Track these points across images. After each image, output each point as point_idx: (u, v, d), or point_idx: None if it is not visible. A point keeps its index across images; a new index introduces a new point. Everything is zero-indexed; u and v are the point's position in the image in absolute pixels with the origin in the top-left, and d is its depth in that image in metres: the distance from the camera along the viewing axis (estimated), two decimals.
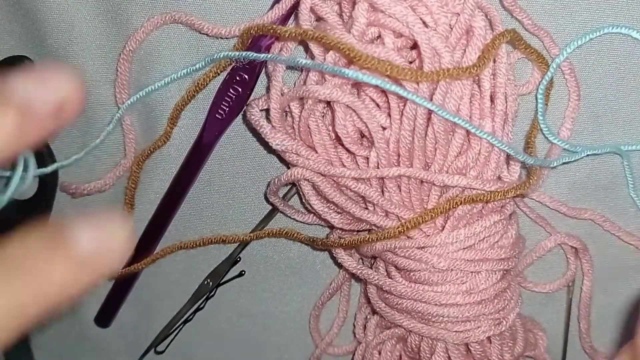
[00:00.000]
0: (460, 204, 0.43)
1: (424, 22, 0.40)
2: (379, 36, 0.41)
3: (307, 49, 0.43)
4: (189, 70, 0.46)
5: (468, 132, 0.42)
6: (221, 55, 0.45)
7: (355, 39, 0.40)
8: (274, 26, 0.43)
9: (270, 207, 0.51)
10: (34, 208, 0.51)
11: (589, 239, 0.50)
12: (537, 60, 0.44)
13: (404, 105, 0.41)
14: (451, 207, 0.43)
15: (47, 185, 0.51)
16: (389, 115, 0.42)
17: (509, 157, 0.45)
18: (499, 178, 0.45)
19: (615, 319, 0.52)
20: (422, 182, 0.43)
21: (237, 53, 0.44)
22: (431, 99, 0.41)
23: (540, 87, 0.44)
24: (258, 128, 0.44)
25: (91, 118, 0.49)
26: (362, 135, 0.44)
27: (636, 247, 0.50)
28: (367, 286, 0.49)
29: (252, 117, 0.44)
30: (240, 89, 0.47)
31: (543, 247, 0.50)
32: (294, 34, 0.41)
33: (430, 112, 0.40)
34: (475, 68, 0.40)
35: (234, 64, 0.47)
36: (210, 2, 0.46)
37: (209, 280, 0.54)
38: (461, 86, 0.41)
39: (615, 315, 0.52)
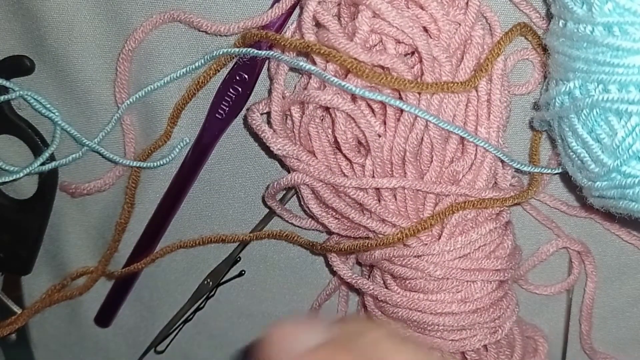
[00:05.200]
0: (459, 210, 0.43)
1: (427, 31, 0.41)
2: (380, 41, 0.41)
3: (308, 54, 0.43)
4: (188, 69, 0.46)
5: (462, 138, 0.43)
6: (220, 52, 0.45)
7: (358, 46, 0.40)
8: (276, 35, 0.43)
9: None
10: (34, 208, 0.51)
11: (589, 238, 0.50)
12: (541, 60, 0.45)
13: (401, 113, 0.41)
14: (451, 212, 0.43)
15: (47, 185, 0.51)
16: (384, 122, 0.42)
17: (504, 163, 0.45)
18: (496, 184, 0.45)
19: (614, 319, 0.52)
20: (417, 191, 0.44)
21: (236, 49, 0.44)
22: (428, 105, 0.41)
23: None
24: (259, 133, 0.44)
25: (91, 118, 0.49)
26: (359, 143, 0.44)
27: (636, 246, 0.50)
28: (364, 295, 0.49)
29: (253, 121, 0.44)
30: (240, 89, 0.47)
31: (545, 251, 0.50)
32: (297, 46, 0.41)
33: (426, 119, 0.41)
34: (475, 79, 0.41)
35: (234, 61, 0.47)
36: (210, 2, 0.46)
37: (209, 280, 0.54)
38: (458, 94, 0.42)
39: (615, 315, 0.52)
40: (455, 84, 0.41)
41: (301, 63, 0.41)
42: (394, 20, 0.39)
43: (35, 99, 0.48)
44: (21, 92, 0.48)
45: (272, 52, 0.43)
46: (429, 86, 0.40)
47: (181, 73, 0.47)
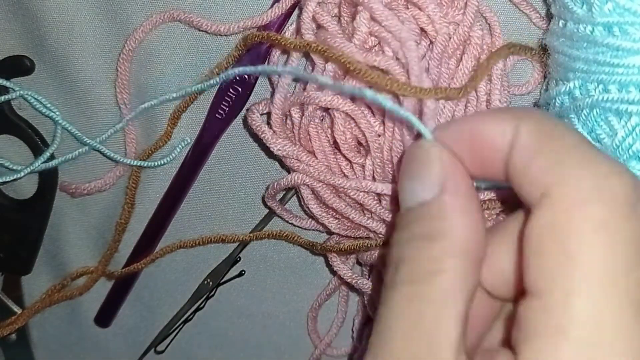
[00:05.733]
0: None
1: (425, 32, 0.41)
2: (379, 43, 0.41)
3: (308, 55, 0.43)
4: (204, 85, 0.45)
5: None
6: (236, 71, 0.43)
7: (356, 47, 0.40)
8: (277, 35, 0.43)
9: None
10: (34, 208, 0.51)
11: None
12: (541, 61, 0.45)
13: None
14: None
15: (47, 185, 0.51)
16: (383, 122, 0.42)
17: None
18: None
19: None
20: None
21: (251, 68, 0.42)
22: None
23: None
24: (259, 133, 0.44)
25: (91, 118, 0.49)
26: (359, 143, 0.44)
27: None
28: (364, 295, 0.49)
29: (253, 122, 0.44)
30: (240, 89, 0.47)
31: None
32: (296, 46, 0.41)
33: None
34: (470, 87, 0.41)
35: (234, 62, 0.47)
36: (210, 2, 0.46)
37: (209, 280, 0.54)
38: None
39: None
40: (452, 90, 0.40)
41: (300, 73, 0.41)
42: (385, 21, 0.39)
43: (35, 98, 0.48)
44: (21, 92, 0.48)
45: (284, 69, 0.43)
46: (424, 91, 0.40)
47: (196, 89, 0.45)
